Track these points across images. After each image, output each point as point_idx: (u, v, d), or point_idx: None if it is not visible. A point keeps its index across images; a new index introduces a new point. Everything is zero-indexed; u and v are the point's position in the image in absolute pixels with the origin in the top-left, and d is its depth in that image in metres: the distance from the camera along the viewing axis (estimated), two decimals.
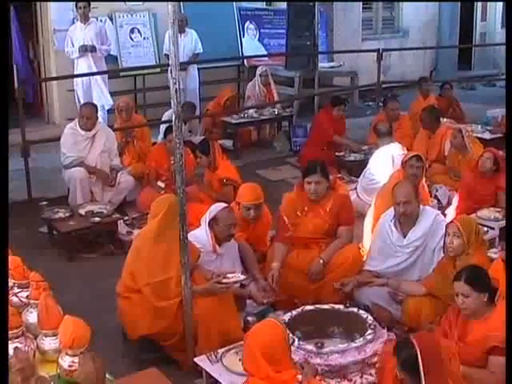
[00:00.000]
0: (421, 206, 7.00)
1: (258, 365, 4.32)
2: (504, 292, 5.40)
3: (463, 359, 4.94)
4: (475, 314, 5.20)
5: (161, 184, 9.40)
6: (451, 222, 6.49)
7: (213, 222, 6.68)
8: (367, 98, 17.17)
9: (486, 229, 8.38)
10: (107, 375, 4.65)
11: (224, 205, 6.90)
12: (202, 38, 13.84)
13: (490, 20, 22.74)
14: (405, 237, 6.85)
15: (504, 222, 8.54)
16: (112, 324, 6.52)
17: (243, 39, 16.33)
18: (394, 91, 15.66)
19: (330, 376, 5.35)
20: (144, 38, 14.66)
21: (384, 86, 16.17)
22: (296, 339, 5.58)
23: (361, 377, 5.43)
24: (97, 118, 9.83)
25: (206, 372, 5.54)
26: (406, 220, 6.83)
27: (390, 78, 17.89)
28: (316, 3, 14.31)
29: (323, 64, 16.60)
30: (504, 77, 19.96)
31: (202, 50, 13.83)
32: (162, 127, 11.13)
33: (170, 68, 5.61)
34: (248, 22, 16.77)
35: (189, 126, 11.70)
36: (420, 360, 4.33)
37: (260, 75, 13.89)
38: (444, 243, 6.39)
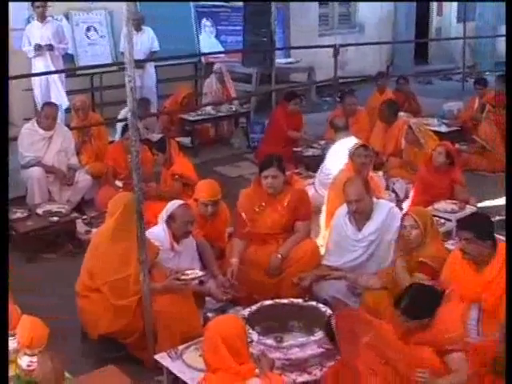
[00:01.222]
0: (375, 200, 7.05)
1: (219, 356, 4.35)
2: (456, 290, 5.51)
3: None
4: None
5: (118, 183, 9.38)
6: (406, 214, 6.57)
7: (170, 220, 6.67)
8: (324, 94, 17.23)
9: (443, 221, 8.48)
10: (66, 374, 4.64)
11: (181, 202, 6.89)
12: (158, 36, 13.81)
13: (445, 15, 22.94)
14: (360, 231, 6.90)
15: (461, 213, 8.66)
16: (72, 323, 6.48)
17: (200, 36, 16.29)
18: (351, 86, 15.70)
19: (289, 370, 5.38)
20: (101, 37, 14.57)
21: (341, 81, 16.24)
22: (256, 334, 5.62)
23: (320, 370, 5.43)
24: (57, 117, 9.81)
25: (167, 369, 5.54)
26: (360, 215, 6.89)
27: (347, 74, 17.95)
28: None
29: (280, 60, 16.65)
30: (460, 71, 20.25)
31: (158, 48, 13.79)
32: (119, 125, 11.09)
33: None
34: (205, 19, 16.76)
35: (145, 124, 11.66)
36: (335, 328, 4.60)
37: (215, 72, 13.89)
38: (401, 236, 6.46)
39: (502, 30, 22.93)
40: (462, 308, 5.72)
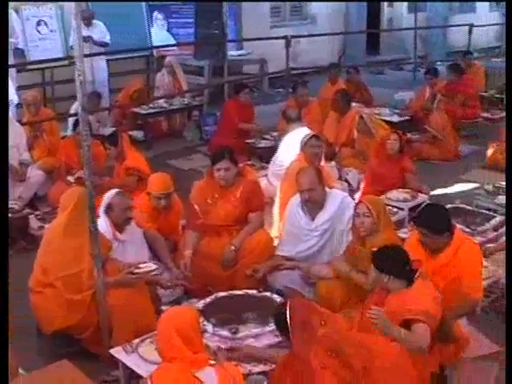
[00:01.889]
0: (327, 190, 7.10)
1: (173, 346, 4.34)
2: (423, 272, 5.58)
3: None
4: (390, 291, 5.32)
5: (71, 178, 9.31)
6: (359, 202, 6.61)
7: (108, 210, 6.65)
8: (277, 85, 17.24)
9: (395, 210, 8.56)
10: (20, 370, 4.62)
11: (116, 190, 6.84)
12: (110, 30, 13.70)
13: (396, 5, 23.12)
14: (313, 220, 6.95)
15: (413, 202, 8.76)
16: (26, 320, 6.44)
17: (152, 30, 16.23)
18: (304, 77, 15.74)
19: (246, 361, 5.36)
20: (51, 31, 14.41)
21: (293, 72, 16.28)
22: (211, 326, 5.63)
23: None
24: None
25: (122, 363, 5.51)
26: (312, 204, 6.94)
27: (299, 65, 18.00)
28: None
29: (232, 52, 16.65)
30: (411, 61, 20.41)
31: (109, 42, 13.70)
32: (71, 120, 11.01)
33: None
34: (156, 12, 16.71)
35: (97, 118, 11.60)
36: (288, 319, 4.57)
37: (167, 65, 13.86)
38: (353, 224, 6.51)
39: (453, 20, 23.21)
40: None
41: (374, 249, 6.18)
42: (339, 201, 6.97)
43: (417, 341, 5.04)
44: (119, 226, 6.64)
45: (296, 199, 7.11)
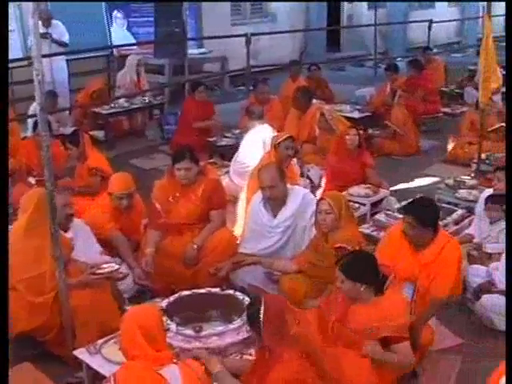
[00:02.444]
0: (289, 186, 7.12)
1: (136, 344, 4.33)
2: (394, 270, 5.60)
3: (343, 340, 5.14)
4: (357, 299, 5.31)
5: (31, 180, 9.23)
6: (321, 199, 6.63)
7: None
8: (238, 83, 17.27)
9: (357, 205, 8.60)
10: None
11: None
12: (69, 30, 13.58)
13: (356, 2, 23.22)
14: (275, 217, 6.95)
15: (374, 197, 8.81)
16: None
17: (111, 29, 16.15)
18: (265, 75, 15.78)
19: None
20: (10, 31, 14.29)
21: (254, 70, 16.30)
22: (174, 325, 5.63)
23: (241, 357, 5.47)
24: None
25: (86, 364, 5.49)
26: (274, 201, 6.96)
27: (260, 62, 18.05)
28: None
29: (193, 51, 16.65)
30: (372, 57, 20.53)
31: (68, 42, 13.59)
32: (30, 121, 10.93)
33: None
34: (116, 11, 16.67)
35: (56, 118, 11.51)
36: (262, 314, 4.55)
37: (128, 65, 13.79)
38: (316, 221, 6.53)
39: (413, 16, 23.39)
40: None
41: (337, 245, 6.22)
42: (301, 197, 6.99)
43: (403, 361, 5.16)
44: (63, 225, 6.56)
45: (258, 196, 7.13)
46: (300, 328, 4.62)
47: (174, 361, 4.44)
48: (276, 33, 18.79)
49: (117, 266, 6.41)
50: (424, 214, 5.95)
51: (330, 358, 4.90)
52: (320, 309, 5.52)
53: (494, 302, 6.54)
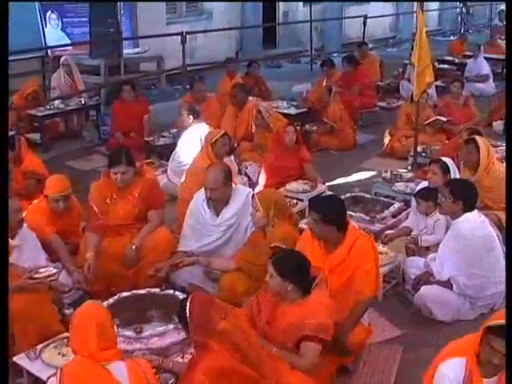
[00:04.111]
0: (233, 186, 7.12)
1: (89, 340, 4.31)
2: (324, 279, 5.62)
3: (273, 341, 5.16)
4: (285, 299, 5.31)
5: None
6: (252, 196, 6.68)
7: None
8: (175, 82, 17.20)
9: (295, 201, 8.63)
10: None
11: None
12: None
13: None
14: (218, 216, 6.94)
15: (312, 193, 8.85)
16: None
17: (46, 29, 15.97)
18: (201, 73, 15.75)
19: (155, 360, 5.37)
20: None
21: (191, 68, 16.29)
22: (115, 326, 5.58)
23: (182, 357, 5.46)
24: None
25: (27, 370, 5.44)
26: (217, 201, 6.94)
27: (196, 61, 18.03)
28: None
29: (128, 50, 16.58)
30: (308, 53, 20.63)
31: None
32: None
33: None
34: (50, 12, 16.47)
35: None
36: (188, 313, 4.58)
37: (63, 65, 13.66)
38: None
39: (348, 11, 23.56)
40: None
41: (273, 244, 6.24)
42: (244, 197, 6.98)
43: (305, 364, 5.16)
44: (12, 230, 6.48)
45: (201, 195, 7.10)
46: (228, 323, 4.62)
47: (123, 357, 4.45)
48: (212, 31, 18.79)
49: (54, 270, 6.34)
50: (327, 211, 5.93)
51: (264, 354, 4.92)
52: (250, 309, 5.53)
53: (432, 293, 6.64)
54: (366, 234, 6.36)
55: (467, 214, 6.63)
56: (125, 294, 6.21)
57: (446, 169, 7.72)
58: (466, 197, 6.68)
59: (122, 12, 14.69)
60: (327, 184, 9.65)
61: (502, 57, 20.03)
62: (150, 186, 7.26)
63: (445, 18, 31.17)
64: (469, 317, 6.69)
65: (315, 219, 5.92)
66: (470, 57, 18.26)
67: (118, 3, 14.26)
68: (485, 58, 18.33)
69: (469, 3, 30.19)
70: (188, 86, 13.19)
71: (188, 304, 4.62)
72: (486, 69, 17.72)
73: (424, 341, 6.34)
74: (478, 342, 4.41)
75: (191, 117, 9.99)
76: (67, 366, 4.35)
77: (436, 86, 14.12)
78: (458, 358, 4.50)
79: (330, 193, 9.04)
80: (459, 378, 4.44)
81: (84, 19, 16.46)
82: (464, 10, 30.20)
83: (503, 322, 4.29)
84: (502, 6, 33.25)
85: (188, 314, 4.58)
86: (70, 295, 6.69)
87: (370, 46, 19.44)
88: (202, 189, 7.09)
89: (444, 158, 7.97)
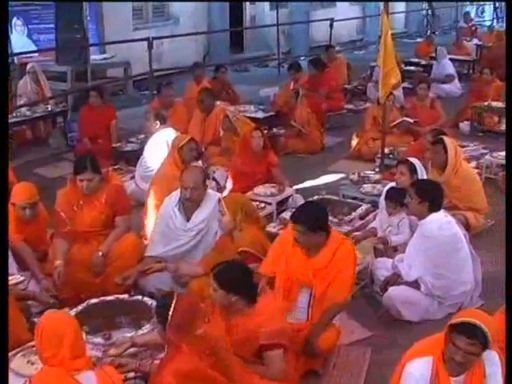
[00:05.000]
0: None
1: (57, 349, 4.28)
2: (286, 275, 5.62)
3: (238, 354, 5.11)
4: (232, 311, 5.27)
5: None
6: (219, 200, 6.68)
7: None
8: (142, 88, 17.16)
9: (263, 205, 8.64)
10: None
11: None
12: None
13: (259, 3, 23.35)
14: (188, 220, 6.93)
15: (280, 196, 8.87)
16: None
17: (11, 36, 15.85)
18: (169, 78, 15.71)
19: (121, 365, 5.35)
20: None
21: (158, 73, 16.26)
22: (84, 334, 5.56)
23: (152, 362, 5.44)
24: None
25: None
26: (191, 203, 6.89)
27: (164, 66, 18.00)
28: None
29: (95, 56, 16.53)
30: (275, 57, 20.67)
31: None
32: None
33: None
34: (15, 18, 16.36)
35: None
36: (172, 309, 4.58)
37: (29, 72, 13.58)
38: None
39: (315, 15, 23.64)
40: (291, 294, 5.93)
41: (241, 249, 6.25)
42: (215, 201, 6.96)
43: (274, 373, 5.16)
44: None
45: (173, 199, 7.04)
46: (209, 327, 4.62)
47: (92, 366, 4.43)
48: (178, 36, 18.75)
49: (21, 278, 6.31)
50: (312, 219, 5.93)
51: (236, 362, 4.94)
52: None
53: (400, 294, 6.68)
54: (347, 238, 6.41)
55: (433, 215, 6.68)
56: (93, 300, 6.18)
57: (413, 169, 7.78)
58: (432, 197, 6.73)
59: (88, 18, 14.63)
60: (295, 187, 9.67)
61: (468, 58, 20.37)
62: (116, 191, 7.24)
63: (411, 21, 31.38)
64: (437, 316, 6.73)
65: (302, 231, 5.90)
66: (436, 58, 18.39)
67: (84, 9, 14.18)
68: (451, 59, 18.49)
69: (434, 4, 30.35)
70: (155, 92, 13.17)
71: (174, 303, 4.60)
72: (451, 70, 17.86)
73: (393, 341, 6.37)
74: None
75: (158, 122, 9.97)
76: (36, 376, 4.32)
77: (403, 88, 14.20)
78: (424, 358, 4.55)
79: (298, 195, 9.08)
80: (426, 377, 4.49)
81: (50, 25, 16.36)
82: (430, 12, 30.38)
83: (465, 319, 4.35)
84: (467, 8, 33.67)
85: (171, 313, 4.57)
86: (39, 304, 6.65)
87: (338, 48, 19.53)
88: (173, 193, 7.06)
89: (411, 159, 8.03)
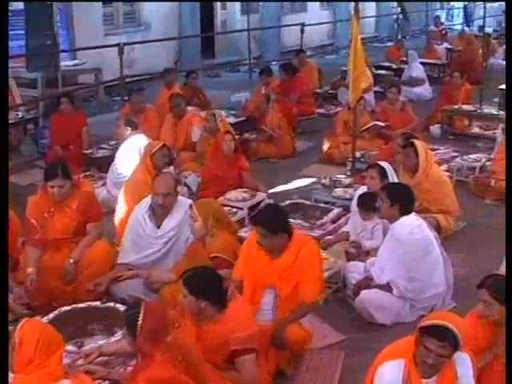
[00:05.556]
0: None
1: (32, 357, 4.27)
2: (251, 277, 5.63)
3: (210, 360, 5.13)
4: (202, 317, 5.26)
5: None
6: (190, 206, 6.68)
7: None
8: (113, 94, 17.09)
9: (235, 210, 8.65)
10: None
11: None
12: None
13: (230, 8, 23.35)
14: (159, 227, 6.90)
15: (252, 201, 8.87)
16: None
17: None
18: (140, 84, 15.68)
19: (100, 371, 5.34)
20: None
21: (129, 79, 16.22)
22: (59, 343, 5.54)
23: (124, 369, 5.44)
24: None
25: None
26: (162, 210, 6.86)
27: (135, 72, 17.93)
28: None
29: (66, 62, 16.44)
30: (246, 62, 20.69)
31: None
32: None
33: None
34: None
35: None
36: (141, 318, 4.58)
37: None
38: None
39: (285, 20, 23.70)
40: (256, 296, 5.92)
41: (212, 254, 6.24)
42: (186, 208, 6.95)
43: (246, 378, 5.19)
44: None
45: (143, 206, 7.00)
46: (179, 333, 4.62)
47: (67, 375, 4.41)
48: (149, 41, 18.71)
49: None
50: (273, 222, 5.96)
51: (207, 368, 4.94)
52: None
53: (372, 297, 6.71)
54: (311, 239, 6.43)
55: (405, 218, 6.72)
56: (65, 308, 6.17)
57: (383, 173, 7.81)
58: (402, 200, 6.77)
59: (58, 24, 14.53)
60: (267, 192, 9.66)
61: (439, 61, 20.51)
62: (87, 198, 7.20)
63: (382, 25, 31.54)
64: (409, 319, 6.76)
65: (264, 234, 5.92)
66: (407, 62, 18.49)
67: (55, 15, 14.09)
68: (422, 63, 18.61)
69: (406, 4, 30.49)
70: (126, 98, 13.13)
71: (142, 312, 4.60)
72: (421, 73, 17.97)
73: (366, 345, 6.37)
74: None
75: (129, 128, 9.94)
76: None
77: (374, 92, 14.28)
78: (396, 360, 4.57)
79: (267, 200, 9.08)
80: (398, 380, 4.51)
81: (20, 32, 16.23)
82: (401, 16, 30.53)
83: (435, 322, 4.38)
84: (438, 12, 33.88)
85: (140, 322, 4.56)
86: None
87: (309, 53, 19.59)
88: (143, 200, 7.04)
89: (381, 163, 8.06)
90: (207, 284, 5.23)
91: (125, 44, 15.82)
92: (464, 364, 4.56)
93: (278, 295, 5.97)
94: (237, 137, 10.04)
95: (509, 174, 6.66)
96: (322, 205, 8.99)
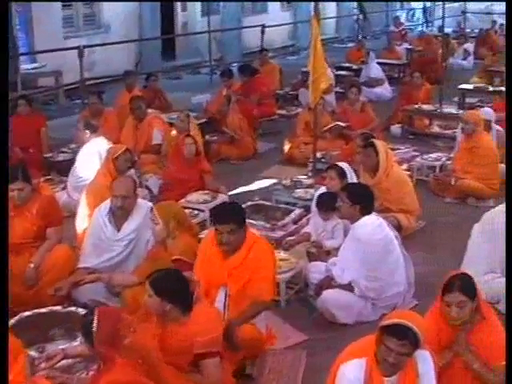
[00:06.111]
0: None
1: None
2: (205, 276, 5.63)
3: (167, 362, 5.10)
4: (166, 319, 5.25)
5: None
6: (151, 209, 6.67)
7: None
8: (74, 97, 16.98)
9: (196, 212, 8.64)
10: None
11: None
12: None
13: (190, 10, 23.33)
14: (119, 230, 6.88)
15: (213, 203, 8.86)
16: None
17: None
18: (101, 87, 15.63)
19: (56, 377, 5.30)
20: None
21: (89, 82, 16.15)
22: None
23: (87, 373, 5.40)
24: None
25: None
26: (122, 212, 6.84)
27: (95, 75, 17.83)
28: (12, 3, 13.99)
29: (26, 66, 16.34)
30: (207, 64, 20.68)
31: None
32: None
33: None
34: None
35: None
36: (95, 326, 4.55)
37: None
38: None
39: (246, 21, 23.72)
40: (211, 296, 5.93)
41: (174, 257, 6.23)
42: (144, 210, 6.93)
43: (210, 381, 5.19)
44: None
45: (103, 209, 6.98)
46: (136, 336, 4.61)
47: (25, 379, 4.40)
48: (109, 44, 18.55)
49: None
50: (238, 215, 6.02)
51: (168, 371, 4.95)
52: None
53: (334, 297, 6.75)
54: (263, 238, 6.43)
55: (365, 218, 6.76)
56: (26, 313, 6.12)
57: (342, 174, 7.84)
58: (363, 200, 6.81)
59: (17, 27, 14.42)
60: (228, 193, 9.67)
61: (399, 62, 20.67)
62: (47, 202, 7.15)
63: (342, 26, 31.67)
64: (371, 318, 6.79)
65: (230, 230, 5.89)
66: (367, 63, 18.59)
67: (14, 18, 13.98)
68: (382, 63, 18.75)
69: (365, 4, 30.65)
70: (86, 101, 13.07)
71: (95, 318, 4.59)
72: (379, 73, 18.08)
73: (328, 344, 6.38)
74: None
75: (88, 131, 9.87)
76: None
77: (335, 93, 14.33)
78: (357, 359, 4.60)
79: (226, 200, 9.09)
80: (359, 379, 4.54)
81: None
82: (361, 16, 30.68)
83: (396, 321, 4.41)
84: (398, 13, 34.14)
85: (95, 328, 4.55)
86: None
87: (270, 54, 19.58)
88: (103, 204, 7.01)
89: (340, 164, 8.10)
90: (173, 286, 5.21)
91: (85, 46, 15.74)
92: (425, 362, 4.59)
93: (229, 293, 5.96)
94: (202, 140, 10.01)
95: (509, 174, 6.70)
96: (283, 206, 9.01)
